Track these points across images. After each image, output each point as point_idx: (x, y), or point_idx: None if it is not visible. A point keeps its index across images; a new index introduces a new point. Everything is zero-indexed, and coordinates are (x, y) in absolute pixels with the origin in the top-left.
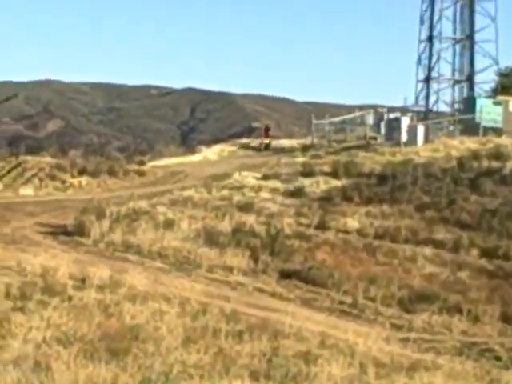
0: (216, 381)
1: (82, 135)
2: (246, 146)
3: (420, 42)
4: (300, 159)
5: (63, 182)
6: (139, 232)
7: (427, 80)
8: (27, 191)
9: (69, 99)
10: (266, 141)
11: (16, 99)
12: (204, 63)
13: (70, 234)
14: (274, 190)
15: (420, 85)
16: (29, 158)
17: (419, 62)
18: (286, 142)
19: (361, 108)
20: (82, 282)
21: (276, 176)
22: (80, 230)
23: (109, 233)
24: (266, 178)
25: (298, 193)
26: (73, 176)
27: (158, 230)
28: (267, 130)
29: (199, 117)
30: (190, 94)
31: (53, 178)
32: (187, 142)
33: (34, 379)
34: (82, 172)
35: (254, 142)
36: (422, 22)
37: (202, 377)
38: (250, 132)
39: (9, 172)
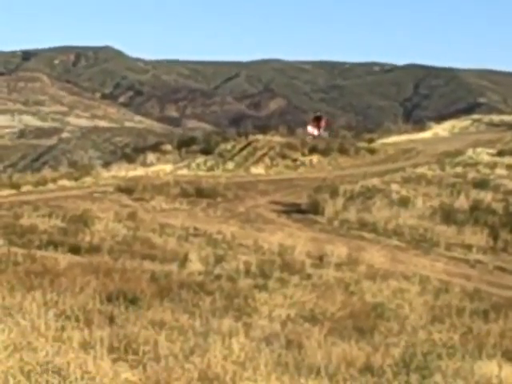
0: (468, 361)
1: (304, 114)
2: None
3: None
4: None
5: (294, 160)
6: (374, 210)
7: None
8: (258, 170)
9: (290, 78)
10: (316, 133)
11: (238, 78)
12: (426, 39)
13: (303, 212)
14: (510, 167)
15: None
16: (259, 137)
17: None
18: None
19: None
20: (319, 260)
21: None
22: (314, 208)
23: (343, 211)
24: (501, 154)
25: None
26: (303, 154)
27: (392, 207)
28: (318, 119)
29: (422, 93)
30: (413, 70)
31: (283, 156)
32: (410, 119)
33: (288, 357)
34: (312, 150)
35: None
36: None
37: (450, 356)
38: (475, 108)
39: (240, 151)
